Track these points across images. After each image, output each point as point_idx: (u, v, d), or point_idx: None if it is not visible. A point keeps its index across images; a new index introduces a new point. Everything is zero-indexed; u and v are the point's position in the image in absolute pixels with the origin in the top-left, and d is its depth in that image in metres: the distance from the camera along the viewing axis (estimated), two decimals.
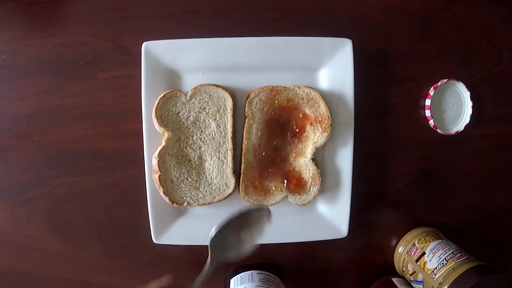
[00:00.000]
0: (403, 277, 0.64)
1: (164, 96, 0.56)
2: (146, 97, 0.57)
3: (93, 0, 0.61)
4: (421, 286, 0.58)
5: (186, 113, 0.58)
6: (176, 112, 0.58)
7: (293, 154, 0.59)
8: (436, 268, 0.56)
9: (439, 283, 0.54)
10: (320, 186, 0.58)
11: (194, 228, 0.60)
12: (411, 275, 0.60)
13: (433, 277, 0.56)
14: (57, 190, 0.62)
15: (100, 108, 0.62)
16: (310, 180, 0.58)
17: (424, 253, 0.59)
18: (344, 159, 0.59)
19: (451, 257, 0.56)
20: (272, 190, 0.59)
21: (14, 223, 0.63)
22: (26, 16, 0.61)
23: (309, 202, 0.59)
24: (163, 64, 0.57)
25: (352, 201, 0.59)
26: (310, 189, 0.59)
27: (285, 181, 0.58)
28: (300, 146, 0.59)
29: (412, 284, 0.60)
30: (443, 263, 0.56)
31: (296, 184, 0.58)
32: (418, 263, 0.59)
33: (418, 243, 0.61)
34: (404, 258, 0.62)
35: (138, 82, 0.57)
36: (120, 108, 0.62)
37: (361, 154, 0.62)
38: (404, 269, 0.62)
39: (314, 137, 0.58)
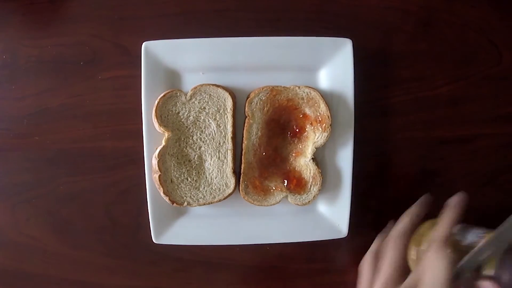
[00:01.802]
0: None
1: (164, 96, 0.56)
2: (146, 97, 0.57)
3: (93, 0, 0.61)
4: None
5: (186, 113, 0.58)
6: (176, 112, 0.58)
7: (293, 154, 0.59)
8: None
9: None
10: (321, 185, 0.58)
11: (194, 228, 0.60)
12: None
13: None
14: (57, 190, 0.63)
15: (100, 108, 0.62)
16: (310, 180, 0.59)
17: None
18: (344, 159, 0.59)
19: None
20: (272, 190, 0.59)
21: (14, 223, 0.63)
22: (26, 16, 0.61)
23: (309, 202, 0.59)
24: (163, 64, 0.57)
25: (352, 201, 0.59)
26: (310, 188, 0.59)
27: (286, 181, 0.58)
28: (300, 146, 0.59)
29: None
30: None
31: (297, 184, 0.58)
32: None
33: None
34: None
35: (138, 82, 0.57)
36: (120, 108, 0.62)
37: (361, 154, 0.62)
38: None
39: (314, 137, 0.58)
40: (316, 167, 0.58)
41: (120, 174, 0.62)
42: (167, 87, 0.58)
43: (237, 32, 0.60)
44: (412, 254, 0.58)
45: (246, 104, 0.58)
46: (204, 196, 0.58)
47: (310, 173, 0.59)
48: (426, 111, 0.64)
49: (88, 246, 0.64)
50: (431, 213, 0.64)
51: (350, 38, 0.58)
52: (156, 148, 0.57)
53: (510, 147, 0.66)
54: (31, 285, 0.64)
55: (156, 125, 0.56)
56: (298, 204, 0.59)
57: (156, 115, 0.56)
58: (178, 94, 0.57)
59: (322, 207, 0.61)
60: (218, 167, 0.58)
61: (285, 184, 0.58)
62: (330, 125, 0.57)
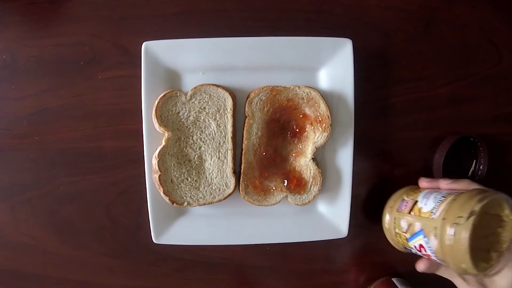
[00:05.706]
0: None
1: (164, 96, 0.56)
2: (146, 97, 0.57)
3: (93, 0, 0.61)
4: (421, 236, 0.50)
5: (186, 113, 0.58)
6: (176, 112, 0.58)
7: (293, 154, 0.59)
8: (434, 207, 0.49)
9: (443, 218, 0.46)
10: (321, 185, 0.58)
11: (194, 228, 0.60)
12: (406, 232, 0.52)
13: (433, 216, 0.48)
14: (57, 190, 0.63)
15: (100, 108, 0.62)
16: (311, 180, 0.59)
17: (416, 202, 0.52)
18: (344, 159, 0.59)
19: (448, 193, 0.50)
20: (272, 190, 0.59)
21: (14, 223, 0.63)
22: (26, 16, 0.61)
23: (309, 202, 0.59)
24: (163, 64, 0.57)
25: (352, 201, 0.59)
26: (310, 188, 0.59)
27: (286, 181, 0.58)
28: (300, 146, 0.59)
29: (410, 243, 0.52)
30: (440, 200, 0.49)
31: (297, 184, 0.58)
32: (412, 213, 0.52)
33: (407, 197, 0.55)
34: (394, 222, 0.54)
35: (138, 82, 0.57)
36: (120, 108, 0.62)
37: (361, 154, 0.62)
38: (397, 232, 0.54)
39: (314, 137, 0.58)
40: (316, 167, 0.58)
41: (120, 174, 0.62)
42: (167, 87, 0.58)
43: (237, 32, 0.60)
44: (386, 221, 0.57)
45: (246, 104, 0.58)
46: (204, 196, 0.58)
47: (310, 173, 0.59)
48: (426, 111, 0.64)
49: (88, 246, 0.64)
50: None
51: (350, 38, 0.58)
52: (156, 148, 0.57)
53: (510, 147, 0.66)
54: (31, 285, 0.64)
55: (156, 125, 0.56)
56: (298, 204, 0.59)
57: (156, 115, 0.56)
58: (178, 94, 0.57)
59: (322, 207, 0.61)
60: (218, 167, 0.58)
61: (285, 184, 0.58)
62: (330, 125, 0.57)
